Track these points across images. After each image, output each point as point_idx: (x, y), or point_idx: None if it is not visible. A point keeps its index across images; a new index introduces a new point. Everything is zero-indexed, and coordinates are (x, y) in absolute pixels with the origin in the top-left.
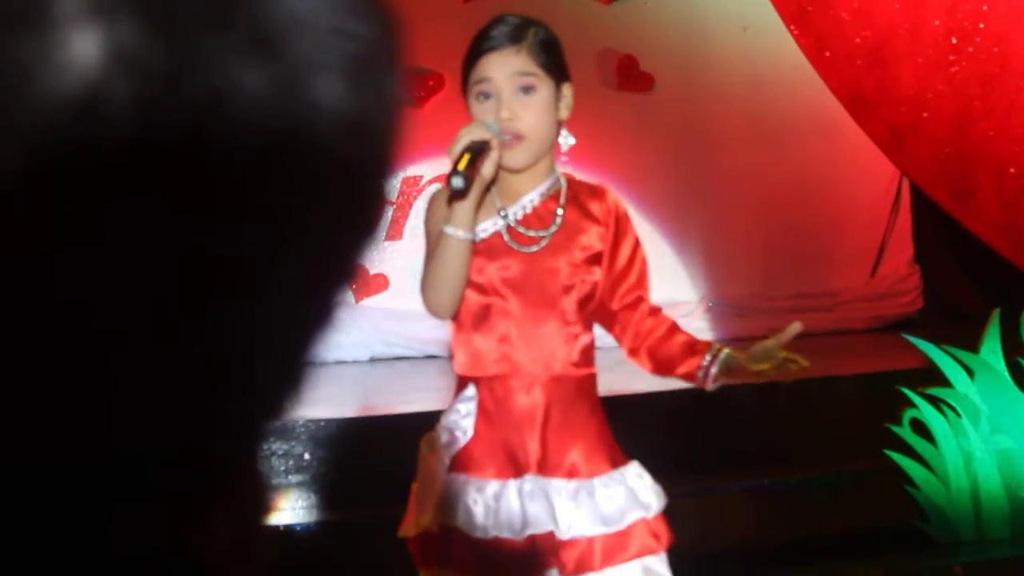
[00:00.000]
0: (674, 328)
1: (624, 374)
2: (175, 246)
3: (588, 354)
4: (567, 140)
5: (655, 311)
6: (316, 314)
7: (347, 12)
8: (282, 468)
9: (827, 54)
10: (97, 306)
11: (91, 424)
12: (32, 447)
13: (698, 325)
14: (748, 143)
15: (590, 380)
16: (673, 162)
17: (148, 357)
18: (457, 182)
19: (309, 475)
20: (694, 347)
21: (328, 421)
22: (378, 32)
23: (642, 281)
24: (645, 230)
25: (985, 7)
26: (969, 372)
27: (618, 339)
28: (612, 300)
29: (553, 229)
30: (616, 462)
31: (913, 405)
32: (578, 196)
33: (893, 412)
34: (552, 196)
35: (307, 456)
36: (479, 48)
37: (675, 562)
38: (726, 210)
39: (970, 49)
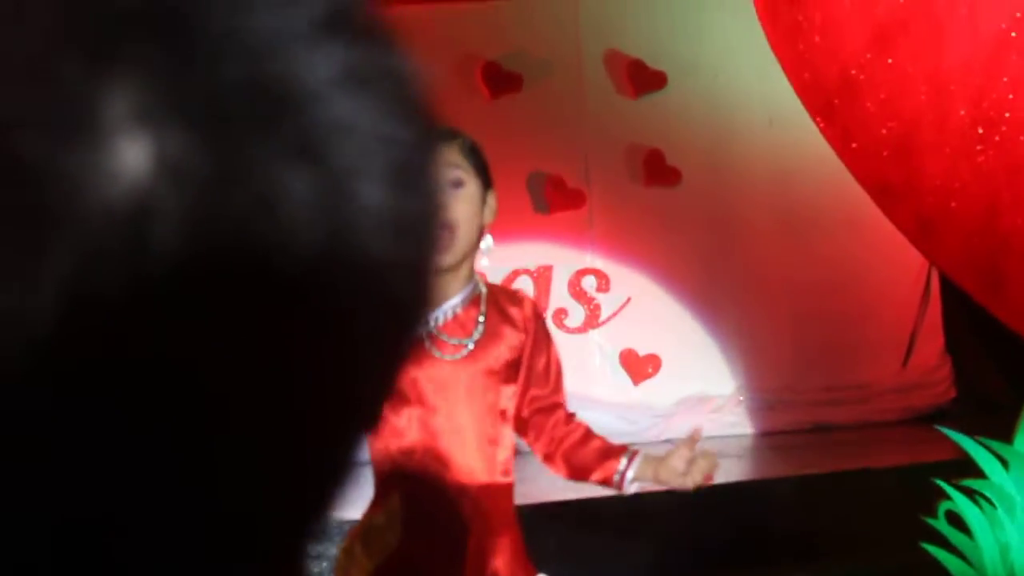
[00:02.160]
0: (589, 434)
1: None
2: (226, 354)
3: (509, 463)
4: (487, 244)
5: (570, 417)
6: (362, 418)
7: (391, 117)
8: (317, 571)
9: (853, 146)
10: (144, 423)
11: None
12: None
13: (730, 419)
14: (776, 235)
15: (509, 489)
16: (701, 255)
17: (198, 473)
18: None
19: None
20: (609, 452)
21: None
22: (420, 136)
23: (558, 387)
24: (680, 321)
25: (1011, 96)
26: (1004, 463)
27: (531, 445)
28: (524, 405)
29: (475, 336)
30: (529, 571)
31: (948, 497)
32: (498, 302)
33: (928, 505)
34: (473, 302)
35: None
36: None
37: None
38: (756, 303)
39: (996, 138)
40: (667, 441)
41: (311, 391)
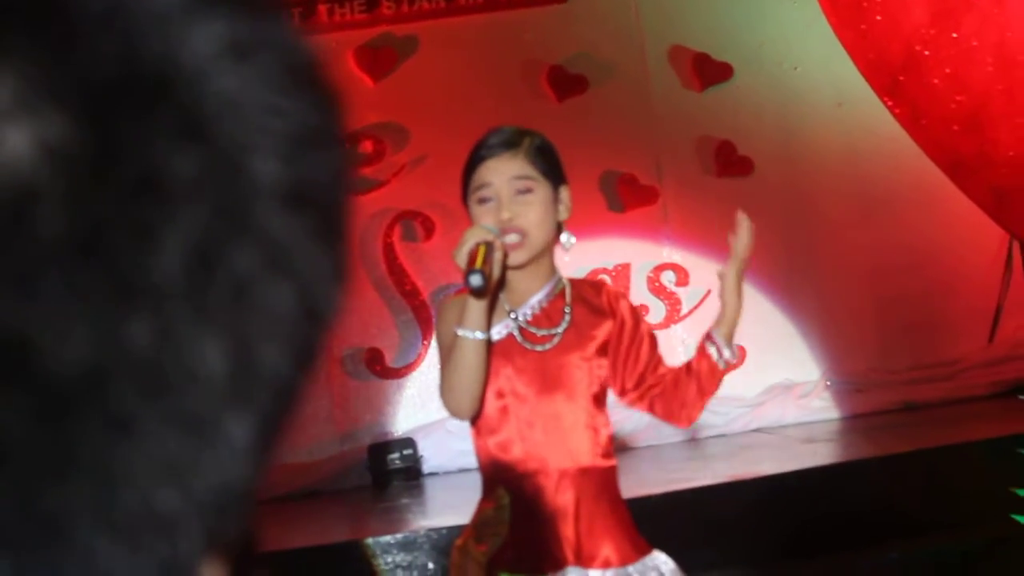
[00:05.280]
0: (678, 372)
1: (747, 459)
2: (107, 336)
3: (609, 446)
4: (569, 240)
5: (667, 373)
6: (285, 403)
7: (279, 88)
8: None
9: (923, 122)
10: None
11: None
12: None
13: (818, 404)
14: (852, 218)
15: (613, 471)
16: (779, 243)
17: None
18: (476, 280)
19: None
20: (700, 363)
21: (450, 529)
22: (312, 105)
23: (657, 361)
24: (763, 310)
25: None
26: None
27: (657, 416)
28: (628, 386)
29: (563, 327)
30: (642, 550)
31: None
32: (582, 293)
33: (1019, 476)
34: (558, 295)
35: (431, 565)
36: (477, 156)
37: None
38: (836, 287)
39: None
40: (757, 431)
41: (206, 375)
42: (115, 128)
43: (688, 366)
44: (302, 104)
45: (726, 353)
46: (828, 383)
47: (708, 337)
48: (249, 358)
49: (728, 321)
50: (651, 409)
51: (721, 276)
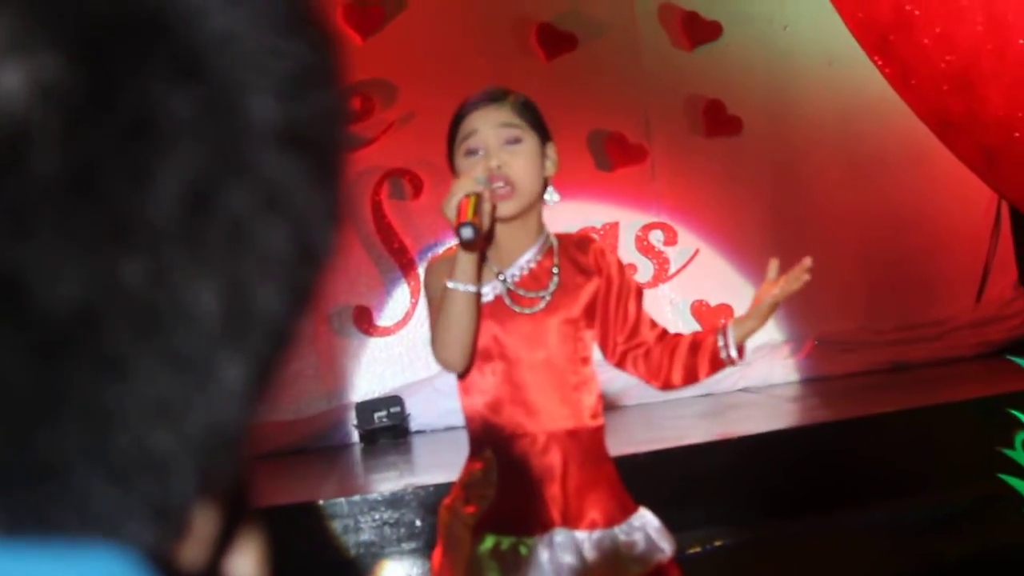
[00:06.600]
0: (679, 340)
1: (735, 418)
2: (95, 275)
3: (597, 406)
4: (552, 197)
5: (661, 336)
6: (281, 341)
7: (275, 28)
8: (394, 536)
9: (912, 81)
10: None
11: None
12: None
13: (806, 363)
14: (841, 177)
15: (600, 432)
16: (768, 202)
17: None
18: (467, 232)
19: (421, 542)
20: (702, 341)
21: (437, 486)
22: (309, 45)
23: (644, 320)
24: (740, 273)
25: None
26: None
27: (642, 379)
28: (615, 344)
29: (552, 288)
30: (628, 510)
31: None
32: (569, 251)
33: (1005, 436)
34: (546, 255)
35: (418, 523)
36: (463, 111)
37: None
38: (825, 246)
39: None
40: (744, 390)
41: (200, 316)
42: (110, 67)
43: (693, 338)
44: (299, 44)
45: (732, 350)
46: (816, 343)
47: (723, 329)
48: (243, 298)
49: (746, 330)
50: (635, 369)
51: (762, 295)
